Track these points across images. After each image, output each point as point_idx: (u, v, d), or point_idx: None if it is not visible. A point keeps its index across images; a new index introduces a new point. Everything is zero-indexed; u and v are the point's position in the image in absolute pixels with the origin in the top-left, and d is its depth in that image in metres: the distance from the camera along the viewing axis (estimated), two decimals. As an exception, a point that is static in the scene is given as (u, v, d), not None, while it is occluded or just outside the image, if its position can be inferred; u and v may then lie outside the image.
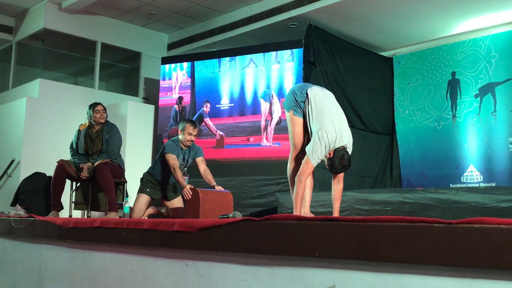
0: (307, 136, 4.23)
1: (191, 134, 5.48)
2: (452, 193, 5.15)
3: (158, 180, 5.67)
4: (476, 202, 4.89)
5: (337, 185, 4.18)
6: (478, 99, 7.90)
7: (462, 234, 1.87)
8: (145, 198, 5.63)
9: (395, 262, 2.05)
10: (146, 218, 5.67)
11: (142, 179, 5.73)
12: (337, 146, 3.96)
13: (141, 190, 5.68)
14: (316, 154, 3.94)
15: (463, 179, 7.87)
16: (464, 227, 1.88)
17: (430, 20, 7.88)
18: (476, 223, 1.87)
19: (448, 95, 8.23)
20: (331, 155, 3.96)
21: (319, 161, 4.02)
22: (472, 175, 7.80)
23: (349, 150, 4.04)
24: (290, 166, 4.31)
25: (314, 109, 4.09)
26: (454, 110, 8.15)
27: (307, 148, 4.03)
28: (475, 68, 7.94)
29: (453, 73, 8.19)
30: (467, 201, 4.96)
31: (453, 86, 8.19)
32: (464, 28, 8.05)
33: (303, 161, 4.05)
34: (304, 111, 4.18)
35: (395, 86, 8.91)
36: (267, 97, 8.21)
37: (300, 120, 4.22)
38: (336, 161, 3.94)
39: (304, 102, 4.17)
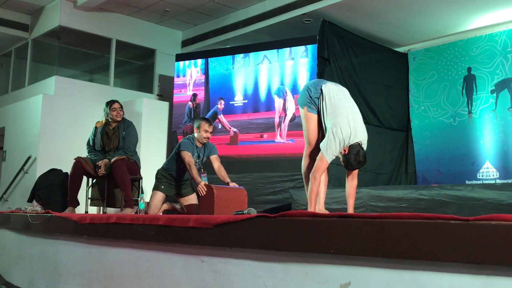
0: (321, 132, 4.22)
1: (207, 131, 5.53)
2: (468, 189, 5.11)
3: (173, 176, 5.71)
4: (493, 199, 4.84)
5: (351, 181, 4.17)
6: (494, 95, 7.82)
7: (479, 231, 1.86)
8: (160, 195, 5.68)
9: (411, 259, 2.04)
10: (161, 214, 5.71)
11: (156, 176, 5.77)
12: (352, 142, 3.95)
13: (156, 187, 5.72)
14: (330, 150, 3.93)
15: (479, 176, 7.80)
16: (481, 224, 1.87)
17: (446, 15, 7.81)
18: (493, 220, 1.85)
19: (464, 91, 8.16)
20: (346, 151, 3.95)
21: (334, 157, 4.01)
22: (488, 171, 7.73)
23: (364, 147, 4.03)
24: (304, 162, 4.30)
25: (328, 105, 4.07)
26: (470, 106, 8.07)
27: (321, 145, 4.02)
28: (491, 64, 7.86)
29: (469, 69, 8.11)
30: (483, 197, 4.92)
31: (469, 82, 8.11)
32: (480, 23, 7.96)
33: (317, 158, 4.04)
34: (318, 107, 4.17)
35: (410, 82, 8.85)
36: (281, 94, 8.20)
37: (314, 116, 4.20)
38: (352, 157, 3.93)
39: (318, 98, 4.16)
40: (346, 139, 3.93)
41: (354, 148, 3.93)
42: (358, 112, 4.14)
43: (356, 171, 4.15)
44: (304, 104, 4.23)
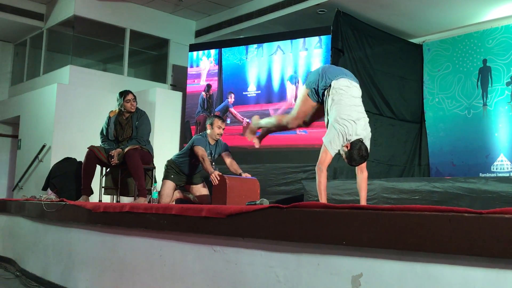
0: (310, 118, 4.38)
1: (220, 127, 5.67)
2: (482, 182, 5.07)
3: (183, 170, 5.82)
4: (507, 192, 4.81)
5: (361, 174, 4.14)
6: (510, 87, 7.74)
7: (493, 224, 1.85)
8: (170, 184, 5.79)
9: (424, 252, 2.03)
10: (174, 203, 5.77)
11: (166, 167, 5.88)
12: (353, 139, 3.92)
13: (166, 177, 5.83)
14: (334, 144, 3.93)
15: (493, 169, 7.74)
16: (495, 217, 1.86)
17: (461, 6, 7.73)
18: (507, 213, 1.84)
19: (479, 83, 8.08)
20: (349, 147, 3.93)
21: (337, 151, 4.01)
22: (503, 164, 7.67)
23: (367, 143, 3.99)
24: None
25: (332, 100, 4.05)
26: (485, 98, 8.00)
27: (324, 139, 4.00)
28: (507, 56, 7.77)
29: (484, 61, 8.03)
30: (497, 190, 4.89)
31: (484, 74, 8.03)
32: (496, 14, 7.87)
33: (321, 150, 4.03)
34: (321, 99, 4.19)
35: (425, 74, 8.78)
36: (293, 80, 8.19)
37: (311, 102, 4.25)
38: (355, 153, 3.91)
39: (324, 91, 4.14)
40: (347, 134, 3.91)
41: (356, 144, 3.91)
42: (362, 108, 4.08)
43: (364, 163, 4.13)
44: (309, 86, 4.23)
